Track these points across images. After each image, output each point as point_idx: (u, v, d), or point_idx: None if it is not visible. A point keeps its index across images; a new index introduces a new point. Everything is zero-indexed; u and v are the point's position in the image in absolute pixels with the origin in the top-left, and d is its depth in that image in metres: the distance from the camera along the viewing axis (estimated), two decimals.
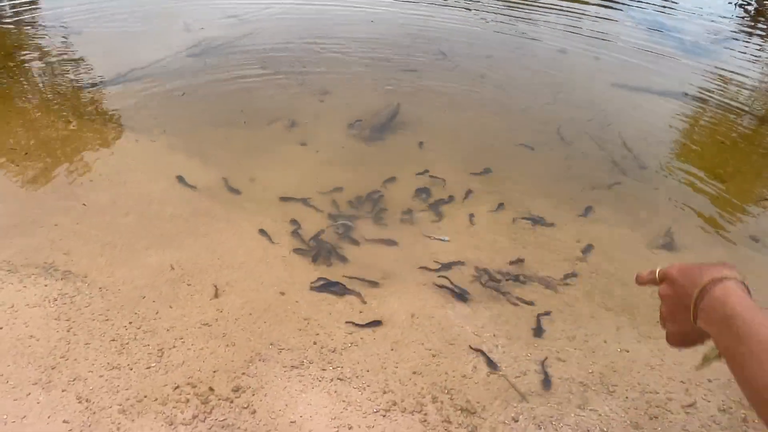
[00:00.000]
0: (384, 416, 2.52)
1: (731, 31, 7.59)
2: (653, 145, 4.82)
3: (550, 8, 7.93)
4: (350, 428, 2.47)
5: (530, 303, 3.14)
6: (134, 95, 4.92)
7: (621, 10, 7.99)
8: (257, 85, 5.30)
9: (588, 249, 3.57)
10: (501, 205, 3.97)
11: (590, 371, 2.77)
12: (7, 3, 6.66)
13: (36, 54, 5.70)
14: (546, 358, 2.79)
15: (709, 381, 2.75)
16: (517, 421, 2.53)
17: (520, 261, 3.46)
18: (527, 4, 8.01)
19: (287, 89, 5.26)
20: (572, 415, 2.56)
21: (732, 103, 5.59)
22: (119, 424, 2.40)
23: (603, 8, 8.08)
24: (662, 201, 4.12)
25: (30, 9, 6.67)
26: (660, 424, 2.56)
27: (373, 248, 3.55)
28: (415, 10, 7.52)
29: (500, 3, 8.03)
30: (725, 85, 5.87)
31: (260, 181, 4.00)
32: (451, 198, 4.01)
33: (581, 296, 3.24)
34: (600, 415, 2.58)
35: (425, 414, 2.53)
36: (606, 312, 3.13)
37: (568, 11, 7.87)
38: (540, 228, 3.80)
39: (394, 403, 2.56)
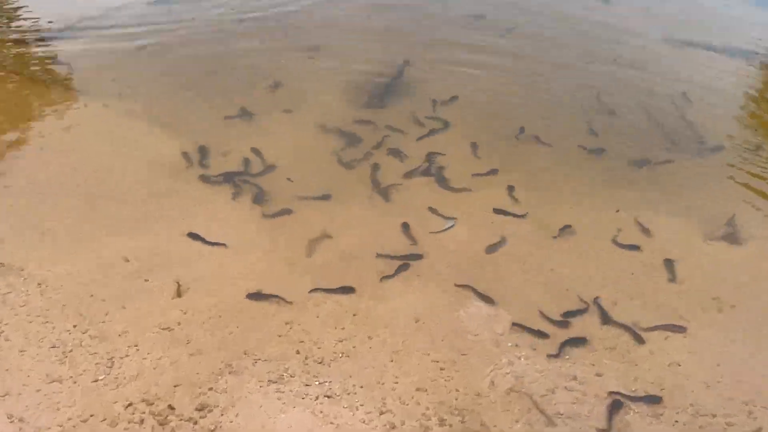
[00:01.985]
0: None
1: None
2: (714, 114, 4.24)
3: None
4: None
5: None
6: (85, 50, 4.39)
7: None
8: (234, 39, 4.73)
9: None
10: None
11: (633, 389, 2.27)
12: None
13: None
14: None
15: None
16: None
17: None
18: None
19: (270, 44, 4.69)
20: None
21: None
22: None
23: None
24: (723, 183, 3.58)
25: None
26: None
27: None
28: None
29: None
30: None
31: (235, 156, 3.43)
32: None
33: (622, 297, 2.71)
34: None
35: None
36: (653, 316, 2.60)
37: None
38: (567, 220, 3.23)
39: (393, 427, 2.16)
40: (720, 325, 2.61)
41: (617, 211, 3.24)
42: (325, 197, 3.19)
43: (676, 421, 2.20)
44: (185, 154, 3.39)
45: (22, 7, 4.89)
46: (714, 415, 2.23)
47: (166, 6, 4.96)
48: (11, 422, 2.09)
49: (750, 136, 4.11)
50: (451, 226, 3.07)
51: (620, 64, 4.75)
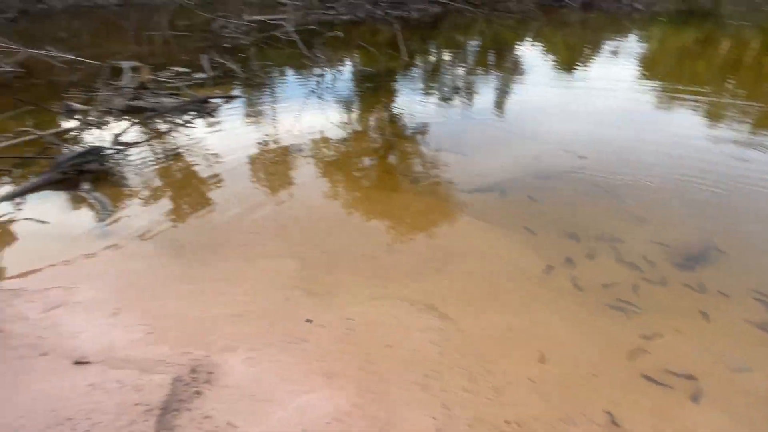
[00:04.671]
0: None
1: None
2: None
3: None
4: None
5: None
6: (490, 200, 6.22)
7: None
8: (580, 203, 6.07)
9: None
10: None
11: None
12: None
13: (428, 163, 7.50)
14: None
15: None
16: None
17: None
18: None
19: (607, 210, 5.88)
20: None
21: None
22: None
23: None
24: None
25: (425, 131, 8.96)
26: None
27: None
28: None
29: None
30: None
31: (579, 269, 4.70)
32: None
33: None
34: None
35: None
36: None
37: None
38: None
39: None
40: None
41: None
42: None
43: None
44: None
45: (471, 174, 6.94)
46: None
47: (542, 180, 6.67)
48: (443, 407, 3.30)
49: None
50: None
51: None
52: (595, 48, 16.43)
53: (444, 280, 4.68)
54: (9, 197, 5.48)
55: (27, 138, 7.26)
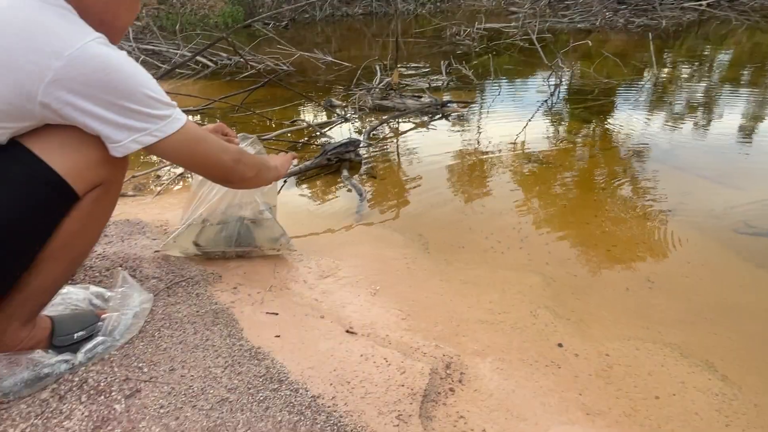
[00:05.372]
0: None
1: None
2: None
3: None
4: None
5: None
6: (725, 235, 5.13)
7: None
8: None
9: None
10: None
11: None
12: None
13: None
14: None
15: None
16: None
17: None
18: None
19: None
20: None
21: None
22: None
23: None
24: None
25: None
26: None
27: None
28: None
29: None
30: None
31: None
32: None
33: None
34: None
35: None
36: None
37: None
38: None
39: None
40: None
41: None
42: None
43: None
44: None
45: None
46: None
47: None
48: None
49: None
50: None
51: None
52: None
53: (720, 335, 3.93)
54: (291, 174, 6.44)
55: (299, 127, 8.48)
